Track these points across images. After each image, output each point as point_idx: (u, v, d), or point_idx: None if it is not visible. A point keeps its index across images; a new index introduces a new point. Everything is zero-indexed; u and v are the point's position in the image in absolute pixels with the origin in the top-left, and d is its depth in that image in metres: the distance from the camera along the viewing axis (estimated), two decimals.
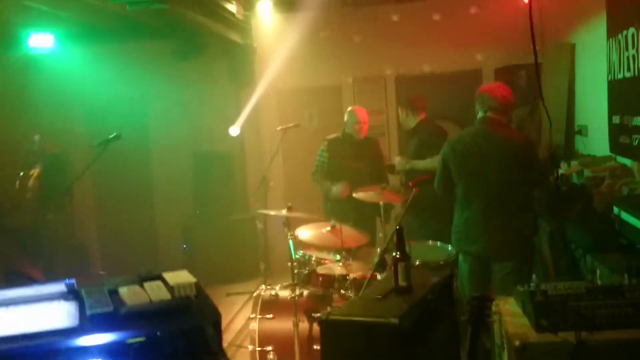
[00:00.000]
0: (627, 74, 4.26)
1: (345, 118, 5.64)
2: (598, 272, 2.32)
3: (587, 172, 4.66)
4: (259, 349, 4.13)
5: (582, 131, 5.67)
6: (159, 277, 2.12)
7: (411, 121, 5.59)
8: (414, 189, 3.65)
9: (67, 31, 6.47)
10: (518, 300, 2.59)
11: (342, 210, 5.25)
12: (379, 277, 3.86)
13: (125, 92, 7.46)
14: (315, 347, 4.04)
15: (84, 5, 5.02)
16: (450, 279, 2.72)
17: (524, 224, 3.96)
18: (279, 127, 6.20)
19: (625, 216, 3.25)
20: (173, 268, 6.80)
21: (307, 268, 4.18)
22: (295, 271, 4.18)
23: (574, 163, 4.97)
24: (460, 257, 4.15)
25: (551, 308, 2.26)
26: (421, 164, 5.26)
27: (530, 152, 3.99)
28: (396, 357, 2.06)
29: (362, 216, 5.29)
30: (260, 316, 4.20)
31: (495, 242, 3.90)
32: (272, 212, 4.27)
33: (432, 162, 5.20)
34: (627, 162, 4.52)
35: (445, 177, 4.08)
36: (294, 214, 4.14)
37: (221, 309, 6.27)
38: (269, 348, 4.11)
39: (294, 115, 7.33)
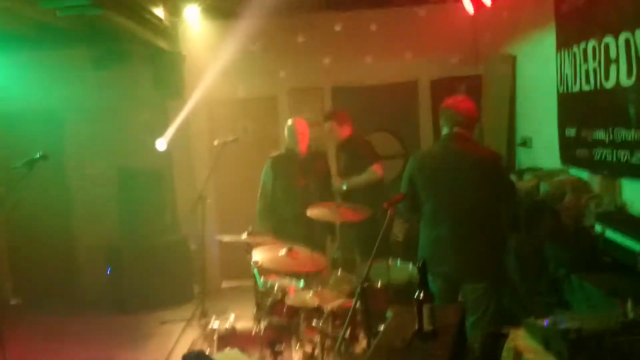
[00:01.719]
0: (586, 87, 4.25)
1: (285, 133, 5.37)
2: (630, 304, 2.17)
3: (544, 187, 4.62)
4: None
5: (527, 143, 5.68)
6: None
7: (335, 136, 5.52)
8: (388, 211, 3.42)
9: None
10: (535, 335, 2.41)
11: (289, 230, 4.96)
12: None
13: (39, 104, 6.79)
14: None
15: None
16: (463, 315, 2.49)
17: (494, 242, 3.85)
18: (216, 142, 5.82)
19: (610, 234, 3.17)
20: (96, 294, 6.27)
21: (270, 297, 3.84)
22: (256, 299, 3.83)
23: (527, 176, 4.93)
24: (428, 278, 3.96)
25: (586, 346, 2.09)
26: (357, 179, 5.22)
27: (500, 168, 3.89)
28: None
29: (312, 236, 5.01)
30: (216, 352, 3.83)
31: (466, 263, 3.75)
32: (229, 238, 3.89)
33: (368, 175, 5.22)
34: (583, 174, 4.53)
35: (412, 195, 3.89)
36: (257, 239, 3.79)
37: (157, 340, 5.87)
38: None
39: (227, 128, 6.95)
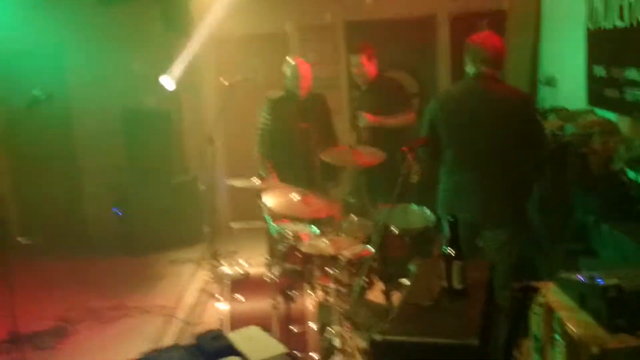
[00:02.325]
0: (619, 23, 3.96)
1: (287, 73, 4.99)
2: None
3: (570, 128, 4.41)
4: None
5: (551, 82, 5.42)
6: (229, 348, 1.56)
7: (363, 72, 4.94)
8: (407, 155, 3.23)
9: None
10: (568, 291, 2.26)
11: (289, 174, 4.76)
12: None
13: (40, 43, 6.52)
14: (293, 328, 3.65)
15: None
16: (492, 270, 2.35)
17: (518, 187, 3.66)
18: (226, 81, 5.59)
19: None
20: (106, 236, 6.17)
21: (284, 244, 3.71)
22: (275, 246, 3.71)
23: (551, 117, 4.71)
24: (447, 224, 3.82)
25: (627, 305, 1.94)
26: (392, 120, 4.79)
27: (530, 111, 3.66)
28: None
29: (313, 181, 4.83)
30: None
31: (489, 209, 3.59)
32: (240, 183, 3.73)
33: (402, 120, 4.81)
34: (611, 116, 4.30)
35: (433, 140, 3.68)
36: (269, 185, 3.63)
37: (167, 280, 5.80)
38: None
39: (236, 67, 6.68)
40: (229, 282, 3.83)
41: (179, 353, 1.53)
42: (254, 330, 1.61)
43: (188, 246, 6.47)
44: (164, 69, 6.44)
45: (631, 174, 3.13)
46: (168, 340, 4.39)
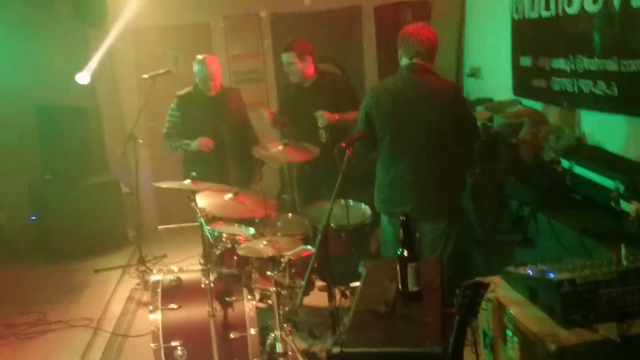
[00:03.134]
0: (545, 13, 4.02)
1: (194, 69, 4.71)
2: (623, 251, 2.02)
3: (498, 119, 4.46)
4: (165, 345, 3.47)
5: (476, 73, 5.49)
6: None
7: (295, 71, 4.60)
8: (346, 151, 3.14)
9: None
10: (517, 285, 2.24)
11: (203, 174, 4.53)
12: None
13: None
14: (231, 335, 3.50)
15: None
16: (442, 268, 2.29)
17: (454, 179, 3.67)
18: (147, 75, 5.33)
19: (579, 170, 3.03)
20: (23, 243, 5.73)
21: (219, 247, 3.54)
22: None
23: (479, 108, 4.75)
24: (385, 219, 3.77)
25: (581, 299, 1.92)
26: (349, 116, 4.45)
27: (462, 102, 3.65)
28: None
29: (228, 179, 4.62)
30: (162, 307, 3.54)
31: (426, 202, 3.56)
32: (168, 184, 3.52)
33: (356, 116, 4.63)
34: (537, 105, 4.38)
35: (368, 133, 3.61)
36: (202, 186, 3.44)
37: (91, 289, 5.47)
38: (176, 343, 3.47)
39: (156, 59, 6.39)
40: (159, 290, 3.62)
41: None
42: None
43: (112, 252, 6.15)
44: (79, 64, 6.09)
45: (565, 163, 3.17)
46: (95, 356, 4.12)
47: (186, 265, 5.20)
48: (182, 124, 4.78)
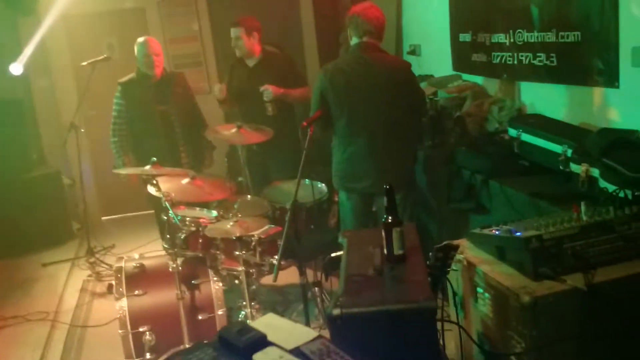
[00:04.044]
0: None
1: (135, 51, 4.65)
2: (583, 207, 2.20)
3: (442, 94, 4.64)
4: (133, 331, 3.47)
5: (416, 50, 5.66)
6: (262, 339, 1.40)
7: (242, 48, 4.67)
8: (308, 130, 3.22)
9: None
10: (484, 245, 2.41)
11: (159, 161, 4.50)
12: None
13: None
14: (200, 317, 3.54)
15: None
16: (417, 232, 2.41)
17: (408, 153, 3.83)
18: (86, 62, 5.21)
19: (526, 137, 3.23)
20: None
21: (184, 231, 3.55)
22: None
23: (423, 85, 4.92)
24: (343, 196, 3.89)
25: (548, 253, 2.10)
26: (295, 92, 4.63)
27: (412, 78, 3.80)
28: (431, 338, 1.75)
29: (179, 166, 4.63)
30: (128, 294, 3.53)
31: (383, 177, 3.69)
32: (128, 170, 3.50)
33: (302, 93, 4.73)
34: (478, 79, 4.59)
35: (324, 112, 3.70)
36: (162, 171, 3.45)
37: (42, 284, 5.37)
38: (144, 328, 3.48)
39: (91, 47, 6.23)
40: (122, 277, 3.61)
41: (207, 353, 1.38)
42: (274, 318, 1.51)
43: (58, 245, 6.02)
44: (11, 55, 5.85)
45: (512, 132, 3.36)
46: (57, 348, 4.06)
47: (138, 254, 5.15)
48: (128, 111, 4.70)
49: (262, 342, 1.38)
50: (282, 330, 1.43)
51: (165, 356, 3.36)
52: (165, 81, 4.74)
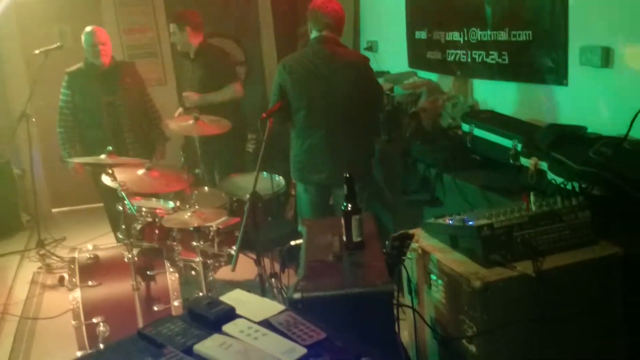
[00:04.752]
0: None
1: (82, 41, 4.59)
2: (532, 198, 2.30)
3: (398, 90, 4.73)
4: (86, 322, 3.43)
5: (373, 47, 5.74)
6: (231, 312, 1.43)
7: (185, 42, 4.78)
8: (267, 122, 3.25)
9: None
10: (438, 234, 2.48)
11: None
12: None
13: None
14: (155, 308, 3.53)
15: None
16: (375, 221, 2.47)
17: (365, 147, 3.90)
18: (38, 51, 5.09)
19: (479, 132, 3.33)
20: None
21: (140, 221, 3.53)
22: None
23: (380, 80, 4.99)
24: (300, 187, 3.93)
25: (499, 241, 2.18)
26: (215, 97, 4.68)
27: (370, 72, 3.87)
28: (387, 319, 1.81)
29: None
30: (81, 284, 3.49)
31: (340, 170, 3.71)
32: (85, 159, 3.45)
33: (228, 93, 4.76)
34: (432, 76, 4.70)
35: (283, 105, 3.73)
36: (118, 161, 3.41)
37: None
38: (98, 319, 3.44)
39: (42, 34, 6.08)
40: (76, 268, 3.57)
41: (178, 324, 1.40)
42: (241, 294, 1.53)
43: (6, 237, 5.86)
44: None
45: (465, 127, 3.46)
46: (6, 341, 3.97)
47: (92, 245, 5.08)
48: (74, 102, 4.63)
49: (231, 314, 1.42)
50: (250, 304, 1.46)
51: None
52: (113, 71, 4.66)
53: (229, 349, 1.27)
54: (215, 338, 1.33)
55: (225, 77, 4.78)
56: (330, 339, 1.35)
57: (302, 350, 1.29)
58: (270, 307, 1.45)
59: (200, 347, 1.30)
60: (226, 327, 1.38)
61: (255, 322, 1.39)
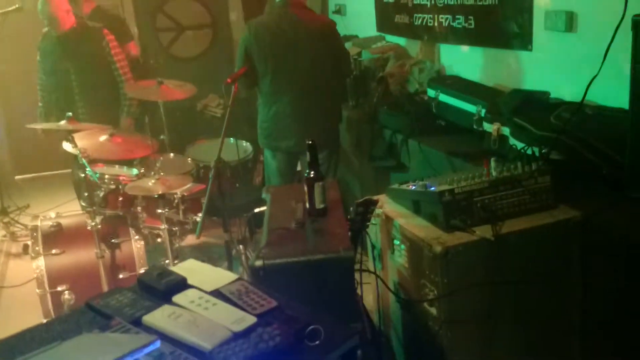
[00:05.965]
0: None
1: (38, 9, 4.34)
2: (493, 163, 2.31)
3: (366, 54, 4.69)
4: (51, 290, 3.41)
5: (341, 10, 5.67)
6: (183, 282, 1.41)
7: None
8: (232, 87, 3.19)
9: None
10: (401, 200, 2.50)
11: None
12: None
13: None
14: (121, 275, 3.51)
15: None
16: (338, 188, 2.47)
17: (332, 113, 3.87)
18: None
19: (444, 98, 3.33)
20: None
21: (102, 189, 3.48)
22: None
23: (347, 44, 4.95)
24: (268, 154, 3.90)
25: (459, 206, 2.20)
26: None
27: (337, 37, 3.82)
28: (349, 285, 1.83)
29: None
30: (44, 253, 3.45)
31: (308, 136, 3.71)
32: (43, 125, 3.36)
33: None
34: (400, 40, 4.67)
35: (249, 69, 3.67)
36: (79, 127, 3.34)
37: None
38: (63, 287, 3.42)
39: None
40: (39, 235, 3.52)
41: (127, 295, 1.38)
42: (194, 263, 1.52)
43: None
44: None
45: (431, 92, 3.46)
46: None
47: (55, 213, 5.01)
48: (42, 63, 4.51)
49: (182, 284, 1.41)
50: (203, 274, 1.46)
51: None
52: (73, 36, 4.41)
53: (178, 319, 1.27)
54: (165, 309, 1.33)
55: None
56: (282, 308, 1.35)
57: (252, 319, 1.30)
58: (223, 277, 1.45)
59: (149, 318, 1.29)
60: (176, 298, 1.37)
61: (206, 292, 1.39)
